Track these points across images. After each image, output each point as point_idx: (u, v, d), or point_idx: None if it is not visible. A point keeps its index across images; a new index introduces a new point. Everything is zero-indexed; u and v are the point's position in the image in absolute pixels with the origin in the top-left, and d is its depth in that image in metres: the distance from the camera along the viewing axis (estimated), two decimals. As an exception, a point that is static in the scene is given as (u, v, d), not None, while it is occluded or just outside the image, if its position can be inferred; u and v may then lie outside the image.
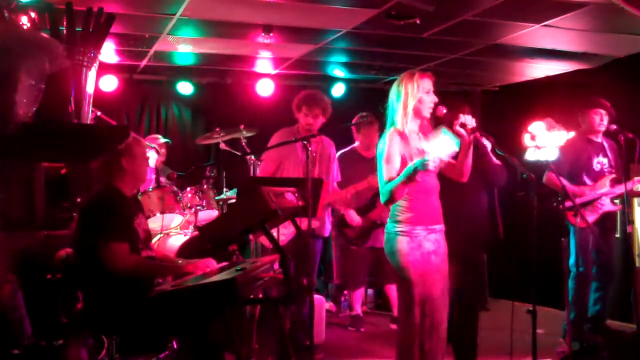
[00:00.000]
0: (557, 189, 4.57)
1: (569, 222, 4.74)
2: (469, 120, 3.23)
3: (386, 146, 3.23)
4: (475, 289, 4.20)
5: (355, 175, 4.91)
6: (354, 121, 5.48)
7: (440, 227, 3.36)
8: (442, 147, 3.08)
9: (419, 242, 3.24)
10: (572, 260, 4.75)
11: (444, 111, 3.30)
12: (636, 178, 4.68)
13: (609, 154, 4.89)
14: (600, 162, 4.88)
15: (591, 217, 4.74)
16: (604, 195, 4.77)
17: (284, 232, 4.32)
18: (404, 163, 3.20)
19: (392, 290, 5.57)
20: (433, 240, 3.29)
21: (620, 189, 4.72)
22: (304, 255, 4.12)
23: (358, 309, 5.71)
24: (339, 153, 5.37)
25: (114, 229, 3.03)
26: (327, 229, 4.84)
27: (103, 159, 3.22)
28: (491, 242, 4.63)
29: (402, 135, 3.24)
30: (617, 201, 4.94)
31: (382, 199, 3.24)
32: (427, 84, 3.27)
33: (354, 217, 5.35)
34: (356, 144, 5.62)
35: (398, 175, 3.17)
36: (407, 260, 3.22)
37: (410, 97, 3.24)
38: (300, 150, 4.51)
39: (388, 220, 3.34)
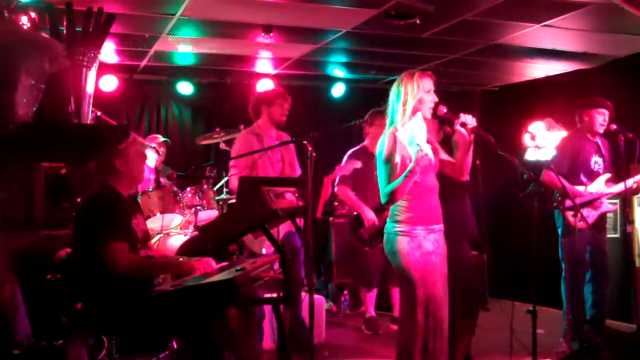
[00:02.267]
0: (556, 188, 4.57)
1: (567, 222, 4.73)
2: (470, 120, 3.23)
3: (386, 146, 3.23)
4: (467, 291, 4.13)
5: (365, 173, 4.90)
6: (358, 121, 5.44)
7: (440, 227, 3.36)
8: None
9: (419, 242, 3.24)
10: (565, 259, 4.75)
11: (445, 110, 3.30)
12: (636, 176, 4.67)
13: (604, 153, 4.90)
14: (596, 161, 4.88)
15: (590, 218, 4.74)
16: (603, 195, 4.77)
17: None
18: (403, 163, 3.20)
19: (396, 292, 5.55)
20: (432, 240, 3.29)
21: (616, 188, 4.72)
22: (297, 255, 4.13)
23: (372, 311, 5.58)
24: (350, 151, 5.36)
25: (113, 228, 3.03)
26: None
27: (97, 160, 3.21)
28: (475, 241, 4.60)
29: (403, 136, 3.24)
30: (614, 201, 4.94)
31: (383, 200, 3.25)
32: (428, 83, 3.27)
33: (370, 215, 5.16)
34: (366, 141, 5.43)
35: (398, 176, 3.18)
36: (409, 260, 3.22)
37: (410, 96, 3.24)
38: (271, 151, 4.52)
39: (387, 220, 3.34)
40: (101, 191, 3.19)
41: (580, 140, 4.90)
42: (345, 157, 5.33)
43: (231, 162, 4.58)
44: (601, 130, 4.84)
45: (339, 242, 6.58)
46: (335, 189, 5.37)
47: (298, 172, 4.82)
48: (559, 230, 4.79)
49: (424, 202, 3.29)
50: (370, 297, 5.60)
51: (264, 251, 4.26)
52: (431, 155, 3.08)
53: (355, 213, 5.29)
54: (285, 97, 4.66)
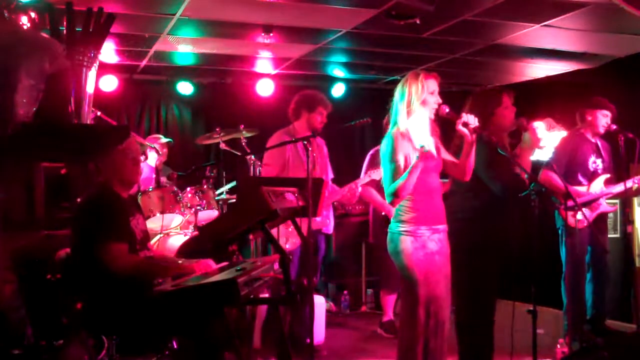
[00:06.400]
0: (553, 188, 4.57)
1: (565, 223, 4.73)
2: (472, 120, 3.24)
3: (390, 146, 3.24)
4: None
5: None
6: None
7: (444, 227, 3.36)
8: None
9: (423, 242, 3.24)
10: (565, 260, 4.75)
11: (447, 110, 3.31)
12: (635, 177, 4.67)
13: (603, 154, 4.90)
14: (594, 162, 4.88)
15: (589, 218, 4.74)
16: (602, 196, 4.76)
17: (293, 241, 4.32)
18: (407, 163, 3.21)
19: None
20: (436, 240, 3.29)
21: (615, 189, 4.72)
22: (307, 256, 4.13)
23: (391, 314, 5.50)
24: (373, 150, 5.33)
25: (111, 229, 3.03)
26: (331, 227, 4.84)
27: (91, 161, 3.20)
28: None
29: (405, 136, 3.25)
30: (613, 201, 4.94)
31: (388, 199, 3.26)
32: (432, 84, 3.28)
33: None
34: None
35: (401, 174, 3.18)
36: (412, 260, 3.23)
37: (415, 97, 3.25)
38: (302, 151, 4.52)
39: (392, 220, 3.35)
40: (98, 192, 3.19)
41: (579, 141, 4.90)
42: (368, 157, 5.31)
43: (265, 159, 4.56)
44: (602, 131, 4.84)
45: (339, 242, 6.58)
46: (359, 189, 5.35)
47: (330, 175, 4.83)
48: (560, 231, 4.79)
49: (428, 202, 3.29)
50: (391, 300, 5.52)
51: (287, 246, 4.28)
52: (433, 150, 3.09)
53: (382, 213, 5.25)
54: (326, 106, 4.68)
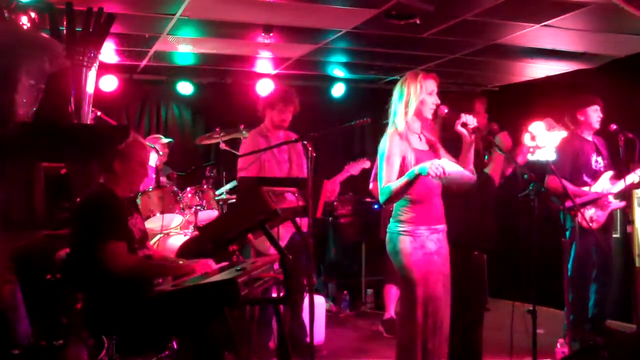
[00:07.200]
0: (560, 192, 4.56)
1: (576, 224, 4.72)
2: (471, 120, 3.24)
3: (387, 146, 3.25)
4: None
5: None
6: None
7: (443, 227, 3.37)
8: (450, 163, 3.11)
9: (422, 242, 3.25)
10: (571, 261, 4.75)
11: (446, 111, 3.31)
12: (638, 170, 4.66)
13: (603, 152, 4.92)
14: (596, 160, 4.90)
15: (601, 218, 4.75)
16: (609, 194, 4.77)
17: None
18: (403, 164, 3.21)
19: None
20: (435, 240, 3.29)
21: (619, 186, 4.73)
22: (302, 255, 4.12)
23: (392, 311, 5.45)
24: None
25: (110, 227, 3.03)
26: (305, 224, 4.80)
27: (100, 159, 3.21)
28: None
29: (403, 136, 3.25)
30: (617, 199, 4.95)
31: (381, 198, 3.26)
32: (431, 85, 3.27)
33: None
34: None
35: (398, 176, 3.18)
36: (410, 260, 3.23)
37: (413, 97, 3.25)
38: (277, 150, 4.50)
39: (390, 219, 3.35)
40: (97, 191, 3.19)
41: (579, 141, 4.92)
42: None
43: (239, 164, 4.52)
44: (598, 125, 4.87)
45: (339, 242, 6.58)
46: (370, 185, 5.33)
47: (304, 174, 4.80)
48: (567, 233, 4.77)
49: (427, 203, 3.30)
50: (394, 296, 5.47)
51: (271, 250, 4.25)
52: (433, 172, 3.07)
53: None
54: (286, 102, 4.59)
